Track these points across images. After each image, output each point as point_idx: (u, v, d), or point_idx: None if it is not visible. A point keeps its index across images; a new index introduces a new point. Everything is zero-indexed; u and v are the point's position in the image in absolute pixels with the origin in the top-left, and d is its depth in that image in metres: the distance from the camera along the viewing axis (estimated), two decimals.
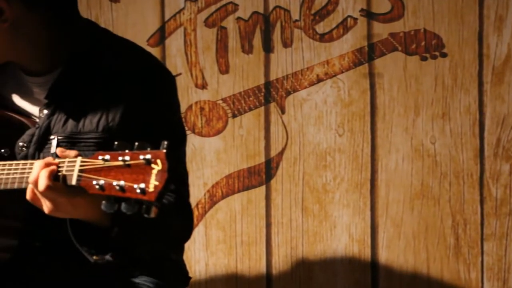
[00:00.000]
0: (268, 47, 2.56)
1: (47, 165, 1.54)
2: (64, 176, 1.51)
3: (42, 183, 1.52)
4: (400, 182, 2.56)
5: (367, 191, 2.58)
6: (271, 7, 2.55)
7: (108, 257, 1.63)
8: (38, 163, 1.55)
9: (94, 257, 1.63)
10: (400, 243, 2.57)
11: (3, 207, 1.74)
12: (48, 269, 1.79)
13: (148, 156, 1.39)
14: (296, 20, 2.55)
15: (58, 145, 1.72)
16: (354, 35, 2.55)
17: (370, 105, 2.56)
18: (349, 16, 2.55)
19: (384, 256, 2.58)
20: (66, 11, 1.79)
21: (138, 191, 1.38)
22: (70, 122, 1.75)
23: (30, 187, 1.57)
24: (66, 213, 1.58)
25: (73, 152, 1.57)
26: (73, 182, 1.49)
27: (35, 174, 1.54)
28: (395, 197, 2.57)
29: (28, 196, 1.58)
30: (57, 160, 1.55)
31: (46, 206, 1.56)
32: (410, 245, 2.57)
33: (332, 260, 2.58)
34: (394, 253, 2.58)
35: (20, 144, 1.76)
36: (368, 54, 2.55)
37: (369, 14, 2.55)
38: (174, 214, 1.67)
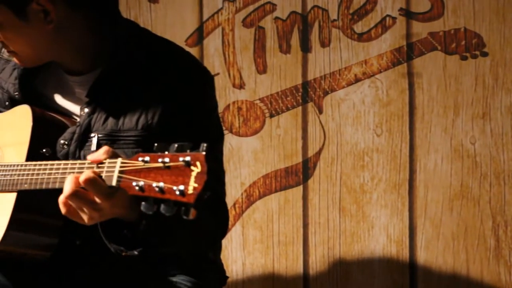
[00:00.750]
0: (306, 47, 2.55)
1: (77, 179, 1.53)
2: (106, 178, 1.52)
3: (89, 205, 1.53)
4: (439, 182, 2.54)
5: (405, 192, 2.55)
6: (309, 7, 2.54)
7: (135, 252, 1.63)
8: (69, 179, 1.54)
9: (123, 254, 1.64)
10: (439, 244, 2.55)
11: (44, 206, 1.76)
12: (87, 267, 1.82)
13: (188, 158, 1.39)
14: (334, 20, 2.54)
15: (98, 143, 1.74)
16: (393, 34, 2.53)
17: (408, 105, 2.54)
18: (387, 15, 2.53)
19: (422, 257, 2.55)
20: (108, 12, 1.81)
21: (177, 193, 1.38)
22: (110, 120, 1.76)
23: (62, 202, 1.56)
24: (104, 216, 1.58)
25: (102, 150, 1.57)
26: (113, 183, 1.50)
27: (69, 190, 1.53)
28: (434, 197, 2.54)
29: (63, 211, 1.58)
30: (93, 165, 1.56)
31: (87, 217, 1.56)
32: (449, 247, 2.54)
33: (370, 261, 2.57)
34: (432, 254, 2.55)
35: (61, 142, 1.78)
36: (406, 54, 2.53)
37: (408, 13, 2.52)
38: (209, 212, 1.67)
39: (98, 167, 1.54)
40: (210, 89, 1.85)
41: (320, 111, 2.57)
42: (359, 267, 2.57)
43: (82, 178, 1.52)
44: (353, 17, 2.54)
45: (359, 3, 2.53)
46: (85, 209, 1.55)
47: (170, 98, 1.75)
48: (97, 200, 1.53)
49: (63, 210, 1.58)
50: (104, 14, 1.80)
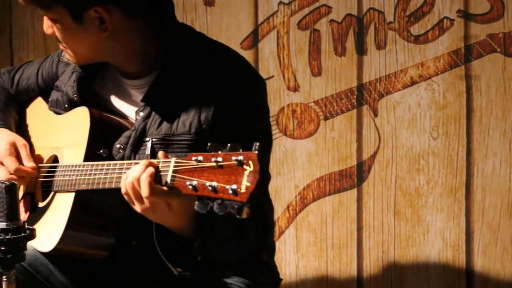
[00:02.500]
0: (361, 49, 2.54)
1: (149, 164, 1.57)
2: (160, 177, 1.55)
3: (145, 187, 1.55)
4: (497, 186, 2.49)
5: (462, 196, 2.51)
6: (365, 9, 2.52)
7: (188, 273, 1.66)
8: (142, 162, 1.58)
9: (178, 269, 1.66)
10: (497, 250, 2.50)
11: (103, 206, 1.80)
12: (142, 267, 1.84)
13: (240, 158, 1.40)
14: (390, 22, 2.52)
15: (152, 147, 1.76)
16: (450, 36, 2.49)
17: (466, 107, 2.50)
18: (445, 17, 2.49)
19: (479, 262, 2.51)
20: (164, 18, 1.83)
21: (230, 192, 1.39)
22: (164, 124, 1.78)
23: (125, 182, 1.60)
24: (158, 214, 1.61)
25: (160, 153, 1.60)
26: (167, 182, 1.51)
27: (137, 173, 1.57)
28: (492, 202, 2.49)
29: (123, 190, 1.61)
30: (155, 161, 1.59)
31: (140, 204, 1.59)
32: (508, 252, 2.49)
33: (425, 265, 2.53)
34: (490, 260, 2.50)
35: (117, 146, 1.81)
36: (464, 56, 2.49)
37: (466, 15, 2.48)
38: (250, 221, 1.67)
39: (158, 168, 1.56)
40: (263, 95, 1.86)
41: (375, 114, 2.55)
42: (414, 272, 2.54)
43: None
44: (409, 19, 2.51)
45: (416, 5, 2.50)
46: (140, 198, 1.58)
47: (223, 104, 1.76)
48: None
49: (123, 190, 1.62)
50: (159, 20, 1.82)
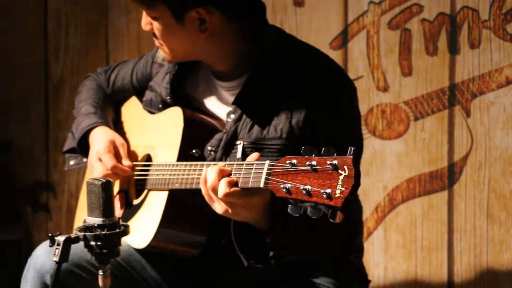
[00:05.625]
0: (453, 49, 2.49)
1: (222, 172, 1.59)
2: (254, 180, 1.56)
3: (222, 191, 1.57)
4: None
5: None
6: (458, 8, 2.46)
7: (260, 265, 1.66)
8: (213, 170, 1.59)
9: (250, 262, 1.67)
10: None
11: (194, 205, 1.83)
12: (231, 265, 1.86)
13: (335, 162, 1.40)
14: (485, 20, 2.45)
15: (243, 151, 1.78)
16: None
17: None
18: None
19: None
20: (258, 21, 1.85)
21: (325, 196, 1.39)
22: (256, 128, 1.80)
23: (204, 190, 1.62)
24: (239, 215, 1.63)
25: (254, 156, 1.61)
26: (261, 184, 1.53)
27: (212, 180, 1.59)
28: None
29: (205, 197, 1.64)
30: (245, 162, 1.60)
31: (221, 207, 1.61)
32: None
33: None
34: None
35: (209, 148, 1.83)
36: None
37: None
38: (338, 225, 1.66)
39: (247, 170, 1.58)
40: (355, 100, 1.85)
41: (468, 115, 2.49)
42: (508, 277, 2.47)
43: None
44: (505, 17, 2.44)
45: None
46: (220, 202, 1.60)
47: (315, 108, 1.76)
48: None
49: (204, 195, 1.63)
50: (253, 23, 1.84)
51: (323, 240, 1.73)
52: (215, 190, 1.58)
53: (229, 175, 1.58)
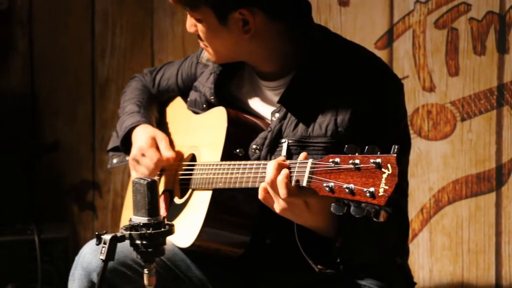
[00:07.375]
0: (502, 48, 2.44)
1: (281, 166, 1.59)
2: (297, 179, 1.55)
3: (282, 188, 1.56)
4: None
5: None
6: (507, 6, 2.42)
7: (330, 271, 1.65)
8: (272, 165, 1.60)
9: (319, 266, 1.66)
10: None
11: (238, 205, 1.83)
12: (275, 266, 1.86)
13: (379, 160, 1.38)
14: None
15: (288, 149, 1.78)
16: None
17: None
18: None
19: None
20: (302, 21, 1.84)
21: (368, 194, 1.38)
22: (300, 126, 1.79)
23: (262, 187, 1.63)
24: (296, 214, 1.62)
25: (302, 156, 1.61)
26: (304, 183, 1.52)
27: (271, 176, 1.59)
28: None
29: (261, 196, 1.63)
30: (287, 162, 1.60)
31: (279, 205, 1.61)
32: None
33: None
34: None
35: (254, 146, 1.83)
36: None
37: None
38: (392, 225, 1.64)
39: (290, 168, 1.58)
40: (401, 98, 1.82)
41: None
42: None
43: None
44: None
45: None
46: (279, 199, 1.59)
47: (361, 106, 1.74)
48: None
49: (260, 195, 1.63)
50: (298, 23, 1.83)
51: (385, 241, 1.72)
52: (274, 185, 1.58)
53: (288, 168, 1.57)
